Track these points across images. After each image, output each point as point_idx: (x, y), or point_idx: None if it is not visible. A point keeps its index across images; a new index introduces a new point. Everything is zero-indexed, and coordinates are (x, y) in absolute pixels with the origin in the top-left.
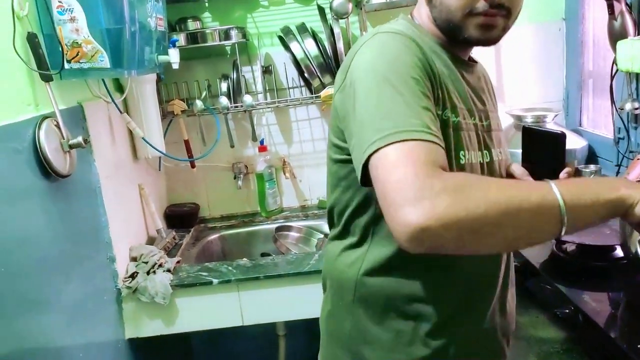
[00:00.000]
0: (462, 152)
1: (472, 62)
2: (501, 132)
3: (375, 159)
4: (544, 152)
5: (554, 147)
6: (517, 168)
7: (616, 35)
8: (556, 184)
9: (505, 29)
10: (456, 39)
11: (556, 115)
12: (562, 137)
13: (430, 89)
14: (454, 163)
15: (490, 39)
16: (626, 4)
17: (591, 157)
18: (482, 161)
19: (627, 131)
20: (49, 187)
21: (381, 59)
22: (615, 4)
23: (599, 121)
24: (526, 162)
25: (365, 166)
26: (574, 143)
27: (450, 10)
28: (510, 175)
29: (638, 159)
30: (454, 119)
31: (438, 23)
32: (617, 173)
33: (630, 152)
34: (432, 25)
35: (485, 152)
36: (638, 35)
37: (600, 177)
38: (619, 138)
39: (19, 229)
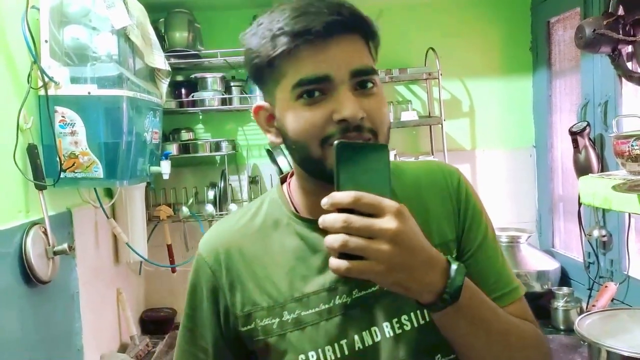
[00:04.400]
0: (301, 357)
1: None
2: None
3: None
4: (366, 175)
5: (377, 167)
6: None
7: (581, 167)
8: None
9: None
10: (324, 178)
11: (529, 236)
12: (384, 148)
13: (204, 323)
14: None
15: None
16: (589, 139)
17: (564, 279)
18: (366, 345)
19: (597, 256)
20: (28, 293)
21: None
22: (579, 138)
23: (570, 244)
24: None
25: None
26: (547, 265)
27: (304, 144)
28: None
29: (606, 287)
30: (284, 317)
31: (303, 166)
32: (589, 297)
33: (600, 277)
34: (298, 191)
35: (364, 334)
36: (601, 169)
37: None
38: (589, 263)
39: None
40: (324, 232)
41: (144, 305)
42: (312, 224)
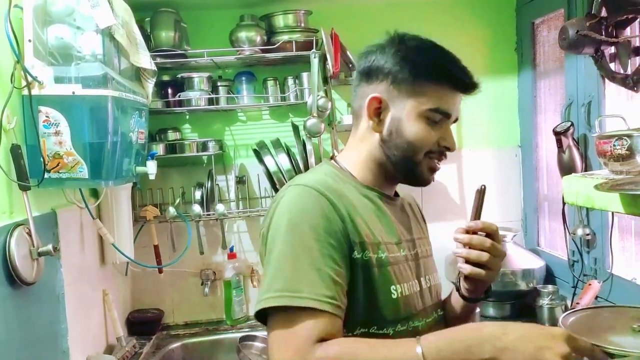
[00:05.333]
0: (393, 287)
1: (396, 196)
2: (431, 257)
3: (269, 316)
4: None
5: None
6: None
7: (565, 167)
8: (425, 343)
9: None
10: (406, 174)
11: (515, 235)
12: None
13: (337, 244)
14: (381, 300)
15: (429, 182)
16: (573, 139)
17: (549, 277)
18: (416, 290)
19: (581, 255)
20: (12, 294)
21: (293, 218)
22: (563, 138)
23: (555, 242)
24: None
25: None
26: (533, 263)
27: (416, 149)
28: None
29: (590, 285)
30: (381, 255)
31: (395, 159)
32: (574, 294)
33: (584, 275)
34: (359, 167)
35: (415, 281)
36: (585, 168)
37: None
38: (574, 261)
39: None
40: (386, 201)
41: (131, 306)
42: (372, 190)
